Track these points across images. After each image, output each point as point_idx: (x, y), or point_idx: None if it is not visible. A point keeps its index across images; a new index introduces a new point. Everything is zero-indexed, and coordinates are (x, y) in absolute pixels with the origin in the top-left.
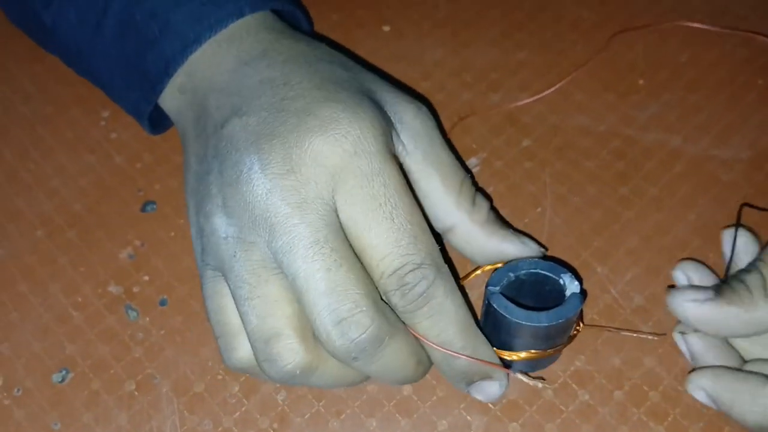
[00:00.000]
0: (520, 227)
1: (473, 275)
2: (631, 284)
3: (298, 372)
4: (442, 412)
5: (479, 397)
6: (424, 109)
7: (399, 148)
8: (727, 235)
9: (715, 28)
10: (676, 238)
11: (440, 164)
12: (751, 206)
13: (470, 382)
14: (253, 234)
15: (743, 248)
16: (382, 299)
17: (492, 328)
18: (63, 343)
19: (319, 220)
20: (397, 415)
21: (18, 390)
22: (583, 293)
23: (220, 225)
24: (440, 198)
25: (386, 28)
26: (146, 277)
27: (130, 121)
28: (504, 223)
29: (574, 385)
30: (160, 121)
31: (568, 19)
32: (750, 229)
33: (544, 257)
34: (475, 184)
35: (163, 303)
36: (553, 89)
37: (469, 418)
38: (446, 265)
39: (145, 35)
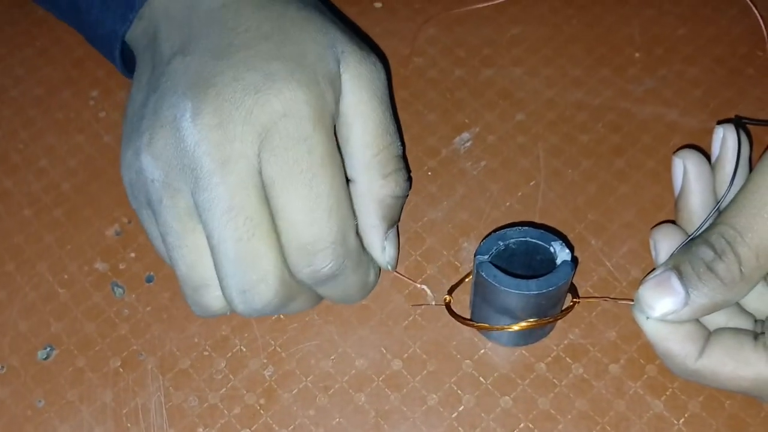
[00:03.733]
0: (513, 202)
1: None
2: (627, 257)
3: (224, 313)
4: (432, 387)
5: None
6: (373, 59)
7: (337, 94)
8: (718, 133)
9: None
10: (672, 212)
11: (369, 118)
12: (747, 119)
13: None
14: (179, 181)
15: (732, 151)
16: None
17: (482, 298)
18: (49, 320)
19: (239, 181)
20: (386, 389)
21: (2, 368)
22: (575, 261)
23: (147, 165)
24: (355, 150)
25: (378, 5)
26: (133, 254)
27: (118, 100)
28: (394, 220)
29: (567, 359)
30: (131, 60)
31: None
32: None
33: (535, 225)
34: (405, 169)
35: (149, 280)
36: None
37: (459, 392)
38: (358, 239)
39: None
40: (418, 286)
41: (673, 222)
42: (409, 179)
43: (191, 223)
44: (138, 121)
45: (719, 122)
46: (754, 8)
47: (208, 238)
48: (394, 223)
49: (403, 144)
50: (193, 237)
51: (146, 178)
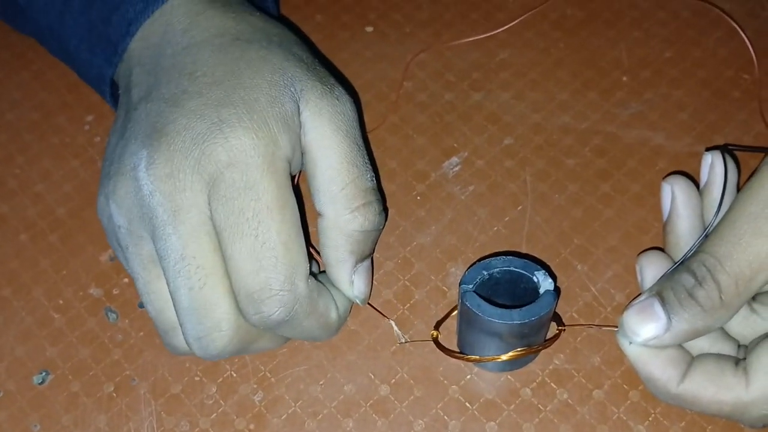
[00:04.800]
0: (501, 226)
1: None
2: (611, 282)
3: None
4: (419, 412)
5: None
6: (337, 92)
7: (293, 135)
8: (706, 159)
9: None
10: (657, 236)
11: (333, 152)
12: (735, 146)
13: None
14: (141, 229)
15: (720, 177)
16: None
17: (466, 327)
18: (44, 345)
19: (190, 231)
20: (373, 415)
21: None
22: (557, 291)
23: (114, 212)
24: (320, 184)
25: (369, 29)
26: (126, 280)
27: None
28: (364, 254)
29: (552, 384)
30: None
31: (551, 18)
32: (732, 157)
33: (518, 255)
34: (378, 202)
35: (142, 305)
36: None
37: (446, 417)
38: (311, 285)
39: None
40: (390, 321)
41: (658, 247)
42: (385, 211)
43: (156, 269)
44: (108, 166)
45: (708, 149)
46: (740, 31)
47: (168, 286)
48: (364, 257)
49: (377, 177)
50: (159, 283)
51: (114, 224)
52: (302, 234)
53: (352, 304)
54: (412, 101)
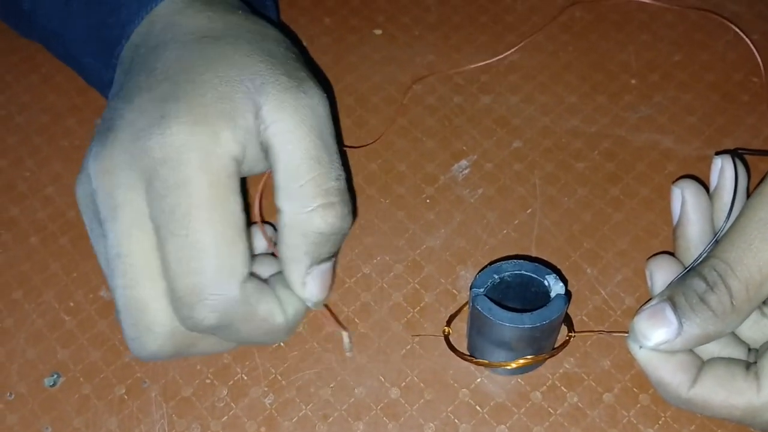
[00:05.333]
0: (510, 229)
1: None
2: (621, 286)
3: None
4: (429, 415)
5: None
6: (305, 87)
7: (261, 128)
8: (716, 164)
9: (665, 4)
10: (667, 240)
11: (295, 147)
12: (745, 150)
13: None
14: (97, 226)
15: (730, 182)
16: None
17: (478, 330)
18: (55, 348)
19: (125, 229)
20: (384, 418)
21: (11, 394)
22: (568, 294)
23: (83, 210)
24: (279, 179)
25: (378, 32)
26: None
27: None
28: (320, 256)
29: (563, 388)
30: None
31: (559, 22)
32: (743, 162)
33: (528, 258)
34: (342, 203)
35: None
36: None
37: (456, 421)
38: (248, 289)
39: (107, 2)
40: (342, 332)
41: (668, 251)
42: (351, 214)
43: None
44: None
45: (717, 153)
46: (744, 37)
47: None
48: (320, 259)
49: (348, 175)
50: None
51: (86, 223)
52: (243, 234)
53: (307, 307)
54: (421, 104)
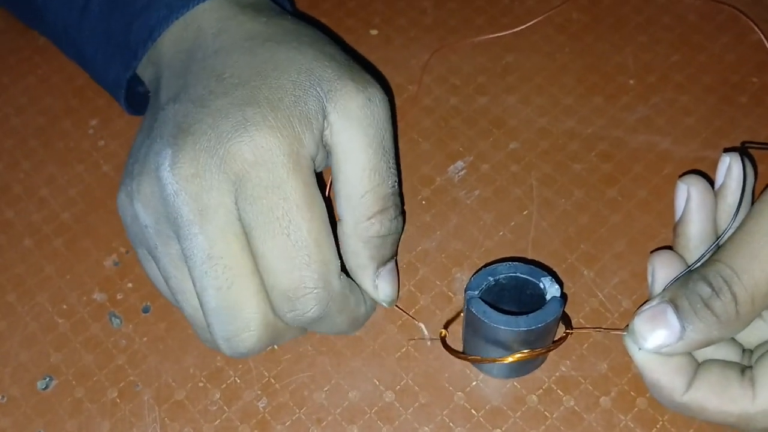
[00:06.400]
0: (506, 231)
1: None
2: (618, 288)
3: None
4: (424, 419)
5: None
6: (369, 94)
7: (326, 132)
8: (723, 161)
9: None
10: (664, 242)
11: (356, 158)
12: (753, 144)
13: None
14: (168, 228)
15: (737, 182)
16: None
17: (473, 332)
18: (48, 351)
19: (218, 231)
20: (378, 422)
21: (3, 397)
22: (564, 297)
23: (140, 211)
24: (341, 190)
25: (374, 33)
26: (130, 285)
27: (117, 129)
28: (385, 257)
29: (559, 391)
30: (136, 101)
31: (556, 23)
32: (750, 159)
33: (524, 260)
34: (396, 206)
35: (146, 310)
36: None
37: (451, 424)
38: (342, 281)
39: (133, 6)
40: (418, 324)
41: (670, 248)
42: (402, 214)
43: (186, 267)
44: (132, 165)
45: (726, 150)
46: (757, 29)
47: (194, 285)
48: (385, 260)
49: (399, 180)
50: (191, 282)
51: (141, 224)
52: (331, 231)
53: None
54: (418, 105)
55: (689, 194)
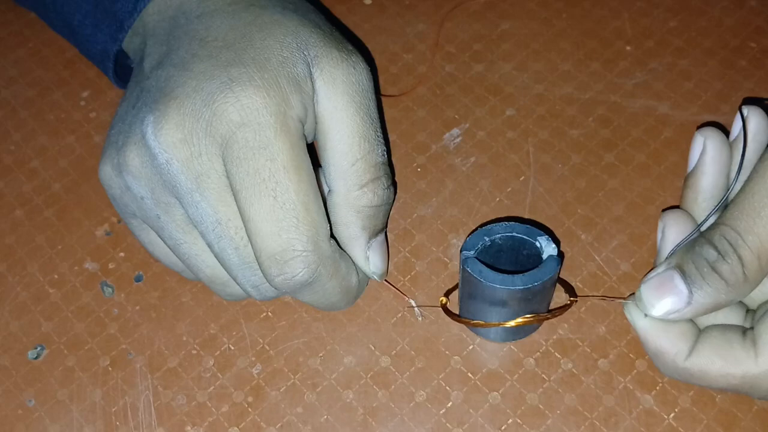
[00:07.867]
0: (503, 197)
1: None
2: (616, 252)
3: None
4: (420, 383)
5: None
6: (353, 60)
7: (312, 99)
8: (743, 113)
9: None
10: (663, 205)
11: (345, 126)
12: (756, 99)
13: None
14: (167, 196)
15: (756, 128)
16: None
17: (469, 294)
18: (39, 320)
19: (217, 196)
20: (374, 386)
21: None
22: (561, 256)
23: (132, 184)
24: (330, 159)
25: (368, 2)
26: (122, 254)
27: (108, 100)
28: (376, 228)
29: (557, 354)
30: (125, 73)
31: None
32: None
33: (523, 220)
34: (387, 176)
35: (138, 279)
36: None
37: (448, 388)
38: (331, 244)
39: None
40: (410, 301)
41: (676, 206)
42: (393, 185)
43: (194, 230)
44: (116, 135)
45: (743, 102)
46: None
47: (210, 248)
48: (377, 231)
49: (388, 148)
50: (202, 244)
51: (135, 196)
52: (319, 194)
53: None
54: (412, 73)
55: (705, 147)
